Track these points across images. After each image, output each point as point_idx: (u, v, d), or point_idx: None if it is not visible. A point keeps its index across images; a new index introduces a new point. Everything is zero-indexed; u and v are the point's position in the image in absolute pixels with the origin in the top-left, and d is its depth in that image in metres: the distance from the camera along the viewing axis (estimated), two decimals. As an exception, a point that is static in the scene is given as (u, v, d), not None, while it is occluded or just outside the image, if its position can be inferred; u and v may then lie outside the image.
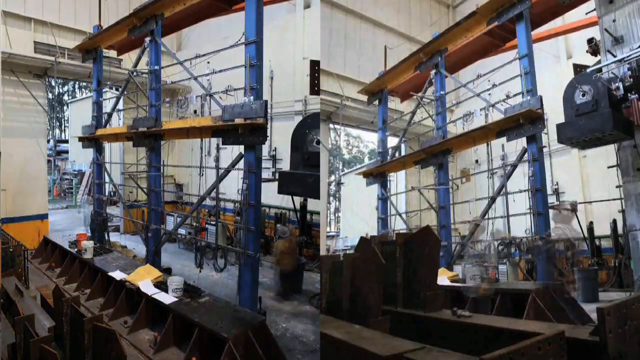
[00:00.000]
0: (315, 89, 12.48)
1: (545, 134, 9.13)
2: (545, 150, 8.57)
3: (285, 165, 8.70)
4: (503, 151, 8.85)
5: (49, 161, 17.17)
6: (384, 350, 3.04)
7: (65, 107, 37.02)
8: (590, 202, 11.97)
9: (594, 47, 8.12)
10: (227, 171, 7.74)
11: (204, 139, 9.75)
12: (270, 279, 10.50)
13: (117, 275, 7.62)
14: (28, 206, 12.67)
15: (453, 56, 10.27)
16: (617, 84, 6.32)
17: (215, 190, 8.01)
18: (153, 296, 6.60)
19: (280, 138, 13.78)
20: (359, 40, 16.31)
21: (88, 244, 9.14)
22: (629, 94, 6.26)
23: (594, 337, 3.21)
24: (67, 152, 27.96)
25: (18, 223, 12.08)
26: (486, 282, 7.01)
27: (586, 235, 11.68)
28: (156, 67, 8.89)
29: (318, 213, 13.17)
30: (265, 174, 8.26)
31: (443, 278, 8.76)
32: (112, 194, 15.49)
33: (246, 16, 7.04)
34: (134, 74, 9.87)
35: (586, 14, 8.81)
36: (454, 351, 3.24)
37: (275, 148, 14.18)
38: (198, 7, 8.24)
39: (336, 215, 15.91)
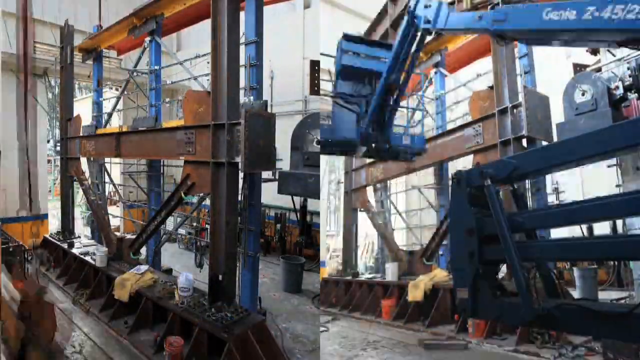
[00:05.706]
0: (315, 89, 12.43)
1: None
2: (545, 149, 8.55)
3: (285, 165, 8.67)
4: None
5: (49, 161, 17.12)
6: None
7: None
8: (590, 202, 11.93)
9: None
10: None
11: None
12: (270, 279, 10.52)
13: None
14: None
15: (453, 55, 10.27)
16: (616, 83, 6.31)
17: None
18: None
19: (280, 138, 13.72)
20: (358, 40, 16.26)
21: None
22: (628, 94, 6.24)
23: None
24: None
25: (18, 223, 12.09)
26: None
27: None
28: (156, 67, 8.88)
29: (318, 213, 13.17)
30: (265, 174, 8.25)
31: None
32: (112, 193, 15.49)
33: (246, 16, 7.06)
34: (134, 74, 9.87)
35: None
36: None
37: (275, 148, 14.13)
38: (198, 7, 8.23)
39: (336, 214, 15.90)
